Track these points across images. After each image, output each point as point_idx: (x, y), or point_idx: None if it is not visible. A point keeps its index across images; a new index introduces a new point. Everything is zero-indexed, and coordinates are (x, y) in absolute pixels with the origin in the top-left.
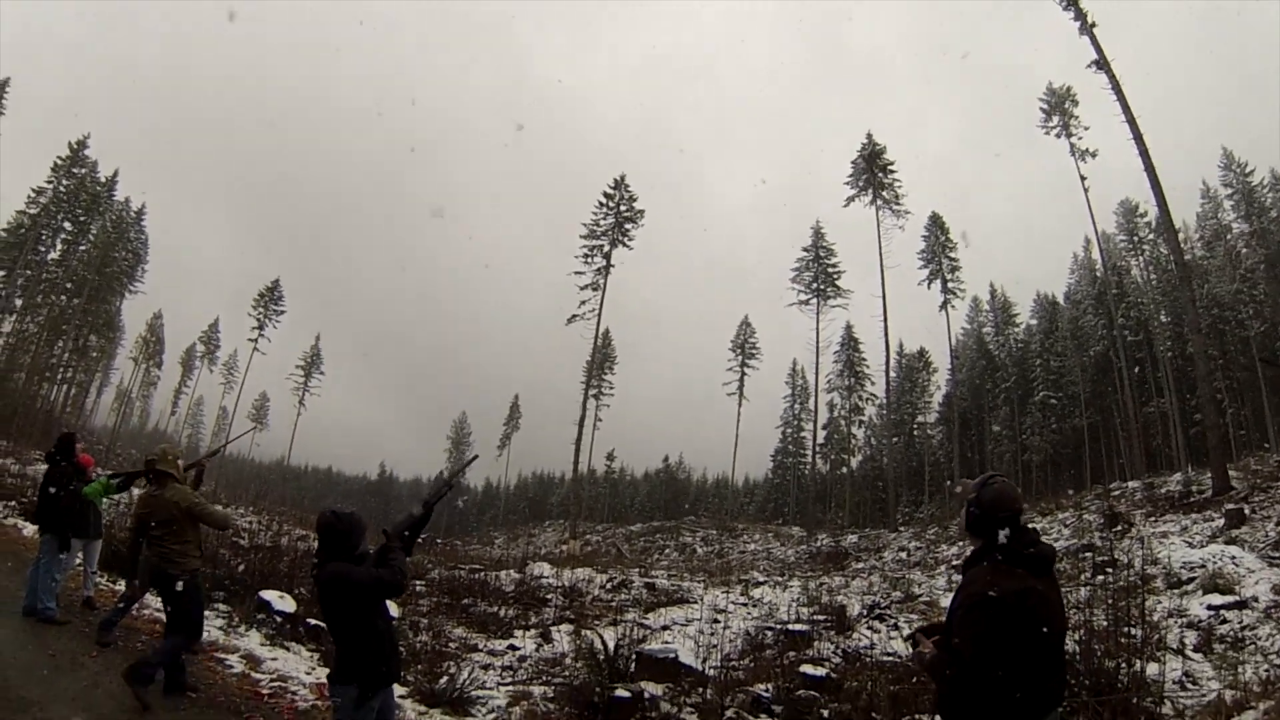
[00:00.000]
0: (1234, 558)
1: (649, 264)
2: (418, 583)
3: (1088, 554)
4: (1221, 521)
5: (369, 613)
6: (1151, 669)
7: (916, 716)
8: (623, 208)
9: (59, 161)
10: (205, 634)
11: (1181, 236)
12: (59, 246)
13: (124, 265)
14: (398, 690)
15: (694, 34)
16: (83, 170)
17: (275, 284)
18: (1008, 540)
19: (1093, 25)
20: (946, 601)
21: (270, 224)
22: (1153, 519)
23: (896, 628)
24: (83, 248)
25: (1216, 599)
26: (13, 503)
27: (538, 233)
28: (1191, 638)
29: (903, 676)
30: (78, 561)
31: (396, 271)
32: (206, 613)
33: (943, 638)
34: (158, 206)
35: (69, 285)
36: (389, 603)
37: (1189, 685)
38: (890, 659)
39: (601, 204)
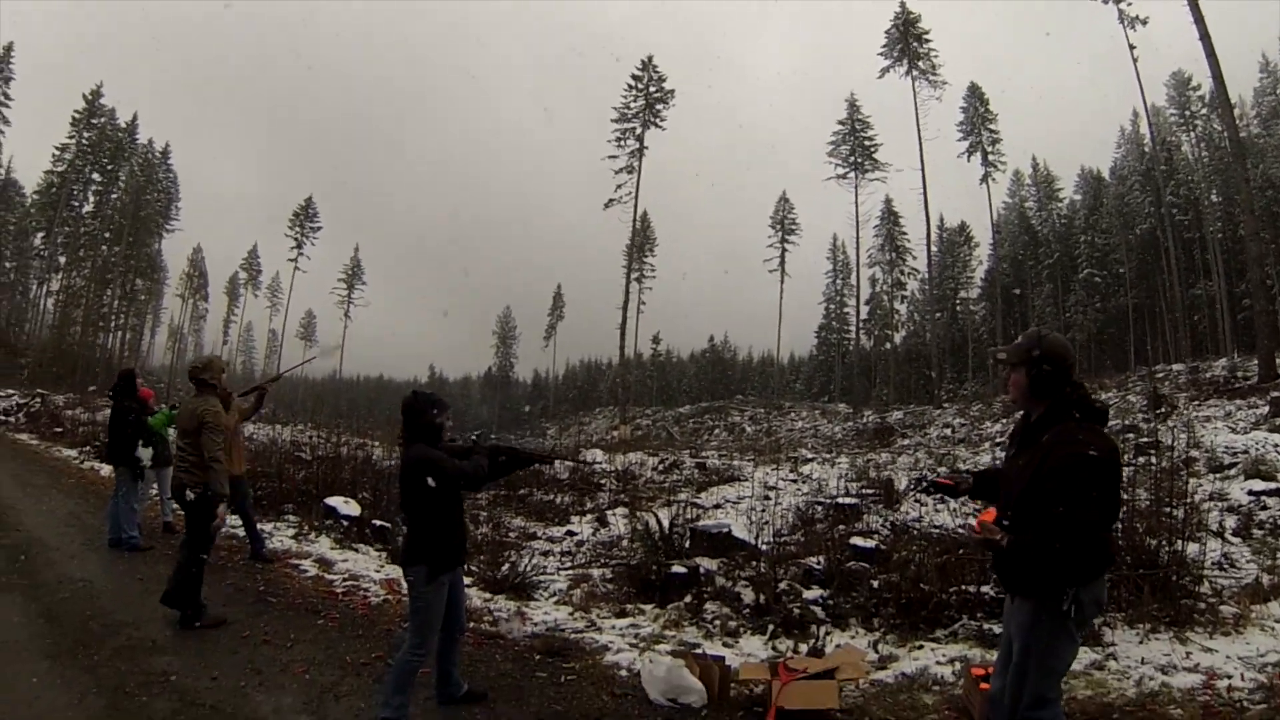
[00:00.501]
0: (1277, 445)
1: (684, 144)
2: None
3: (1130, 435)
4: (1266, 409)
5: (444, 498)
6: (1191, 549)
7: (963, 586)
8: (652, 89)
9: (76, 115)
10: (278, 543)
11: (1237, 112)
12: (91, 199)
13: (157, 206)
14: (464, 578)
15: None
16: (101, 119)
17: (309, 201)
18: (1079, 397)
19: None
20: None
21: (296, 140)
22: (1196, 403)
23: (943, 501)
24: (114, 195)
25: (1258, 485)
26: (87, 448)
27: (572, 119)
28: (1231, 521)
29: (949, 547)
30: (153, 490)
31: (429, 173)
32: (277, 524)
33: (1008, 511)
34: (181, 141)
35: (107, 234)
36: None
37: (1227, 567)
38: (937, 531)
39: (630, 86)
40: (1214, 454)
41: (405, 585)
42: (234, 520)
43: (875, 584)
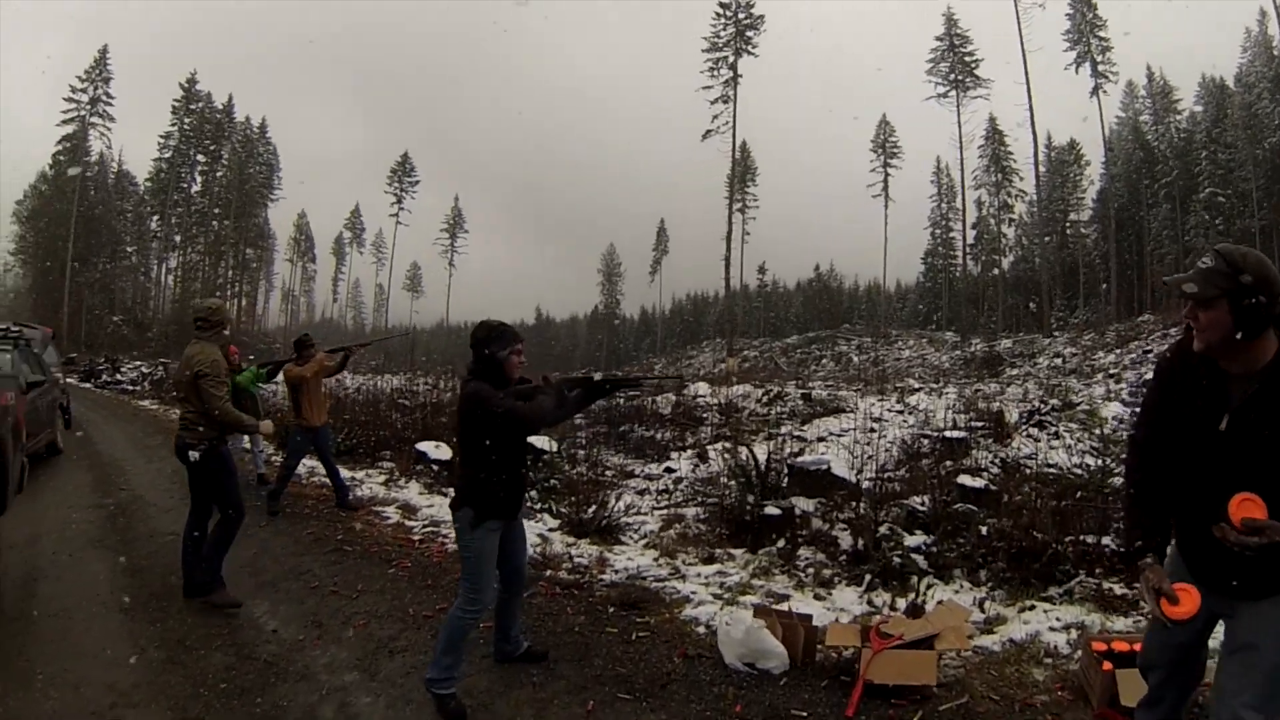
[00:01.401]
0: None
1: (780, 70)
2: (577, 417)
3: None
4: None
5: (497, 441)
6: None
7: (1082, 536)
8: (741, 15)
9: (176, 103)
10: (367, 490)
11: None
12: (198, 179)
13: (260, 179)
14: (549, 522)
15: None
16: (199, 104)
17: (405, 157)
18: None
19: None
20: (1107, 410)
21: (388, 98)
22: None
23: (1057, 435)
24: (219, 173)
25: None
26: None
27: (665, 49)
28: None
29: (1065, 490)
30: (245, 444)
31: (526, 117)
32: (370, 471)
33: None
34: (277, 113)
35: (216, 210)
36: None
37: None
38: (1052, 470)
39: (719, 14)
40: None
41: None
42: (321, 470)
43: (984, 530)
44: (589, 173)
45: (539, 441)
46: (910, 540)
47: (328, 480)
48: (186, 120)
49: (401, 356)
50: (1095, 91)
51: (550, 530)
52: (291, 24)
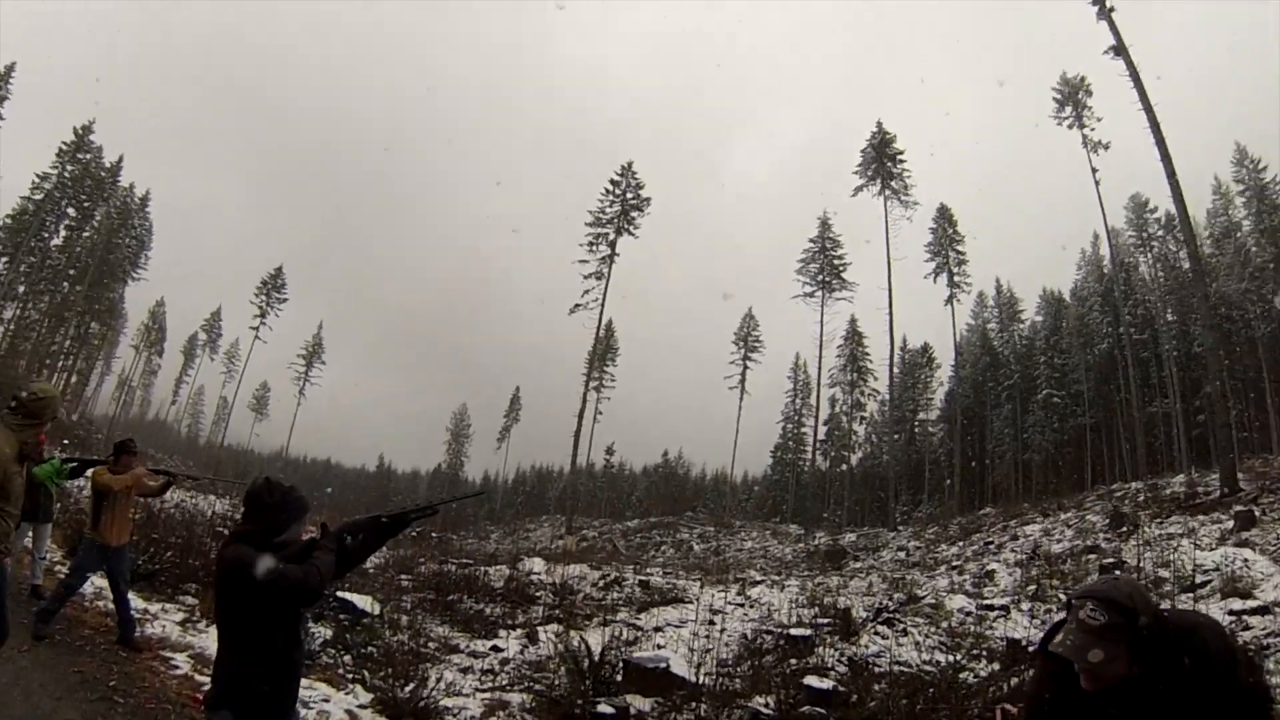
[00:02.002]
0: (1246, 560)
1: (656, 250)
2: (403, 577)
3: (1092, 555)
4: (1231, 523)
5: (266, 618)
6: None
7: None
8: (629, 195)
9: (64, 146)
10: (159, 628)
11: None
12: (62, 233)
13: (127, 252)
14: (361, 696)
15: (716, 16)
16: (88, 156)
17: (278, 271)
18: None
19: (1111, 9)
20: (953, 603)
21: (279, 212)
22: (1158, 520)
23: (905, 632)
24: (86, 234)
25: (1237, 604)
26: None
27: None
28: None
29: (918, 690)
30: (28, 541)
31: (403, 262)
32: (168, 605)
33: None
34: (164, 190)
35: (71, 272)
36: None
37: None
38: (902, 669)
39: (608, 191)
40: (1183, 572)
41: None
42: (109, 593)
43: None
44: (453, 327)
45: (361, 602)
46: None
47: (114, 608)
48: (70, 168)
49: (233, 479)
50: (950, 300)
51: (360, 707)
52: (203, 110)
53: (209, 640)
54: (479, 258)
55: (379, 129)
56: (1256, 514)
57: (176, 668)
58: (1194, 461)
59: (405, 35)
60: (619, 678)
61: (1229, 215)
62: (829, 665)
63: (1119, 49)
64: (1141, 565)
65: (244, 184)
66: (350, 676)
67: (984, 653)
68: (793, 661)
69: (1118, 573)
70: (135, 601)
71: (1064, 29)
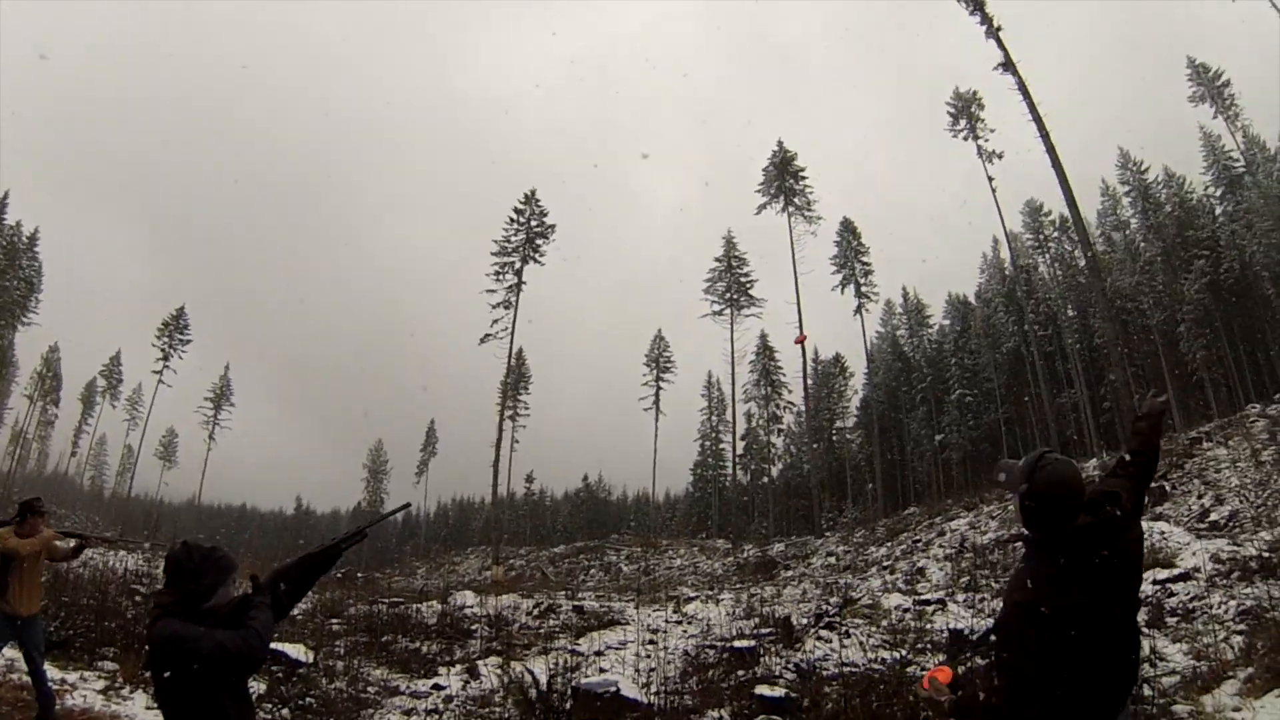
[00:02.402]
0: (1164, 533)
1: (563, 278)
2: (334, 621)
3: (1018, 543)
4: (1146, 500)
5: (210, 691)
6: None
7: None
8: (534, 223)
9: None
10: (79, 699)
11: None
12: None
13: (15, 295)
14: None
15: (614, 42)
16: None
17: (180, 312)
18: (1071, 534)
19: (999, 29)
20: (889, 601)
21: (179, 251)
22: None
23: (848, 634)
24: None
25: (1161, 574)
26: None
27: (452, 249)
28: (1142, 615)
29: (869, 688)
30: None
31: (308, 300)
32: (86, 672)
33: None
34: (57, 231)
35: None
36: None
37: (1158, 661)
38: (851, 670)
39: (512, 220)
40: None
41: None
42: (21, 665)
43: None
44: (366, 362)
45: (293, 651)
46: None
47: (31, 681)
48: None
49: (142, 532)
50: (859, 310)
51: None
52: (97, 146)
53: (135, 708)
54: (389, 293)
55: (285, 162)
56: (1168, 489)
57: None
58: (1104, 445)
59: (310, 68)
60: (569, 705)
61: (1117, 214)
62: (777, 674)
63: (1007, 65)
64: None
65: (139, 222)
66: None
67: (928, 645)
68: (740, 673)
69: (1055, 457)
70: (51, 671)
71: (959, 43)
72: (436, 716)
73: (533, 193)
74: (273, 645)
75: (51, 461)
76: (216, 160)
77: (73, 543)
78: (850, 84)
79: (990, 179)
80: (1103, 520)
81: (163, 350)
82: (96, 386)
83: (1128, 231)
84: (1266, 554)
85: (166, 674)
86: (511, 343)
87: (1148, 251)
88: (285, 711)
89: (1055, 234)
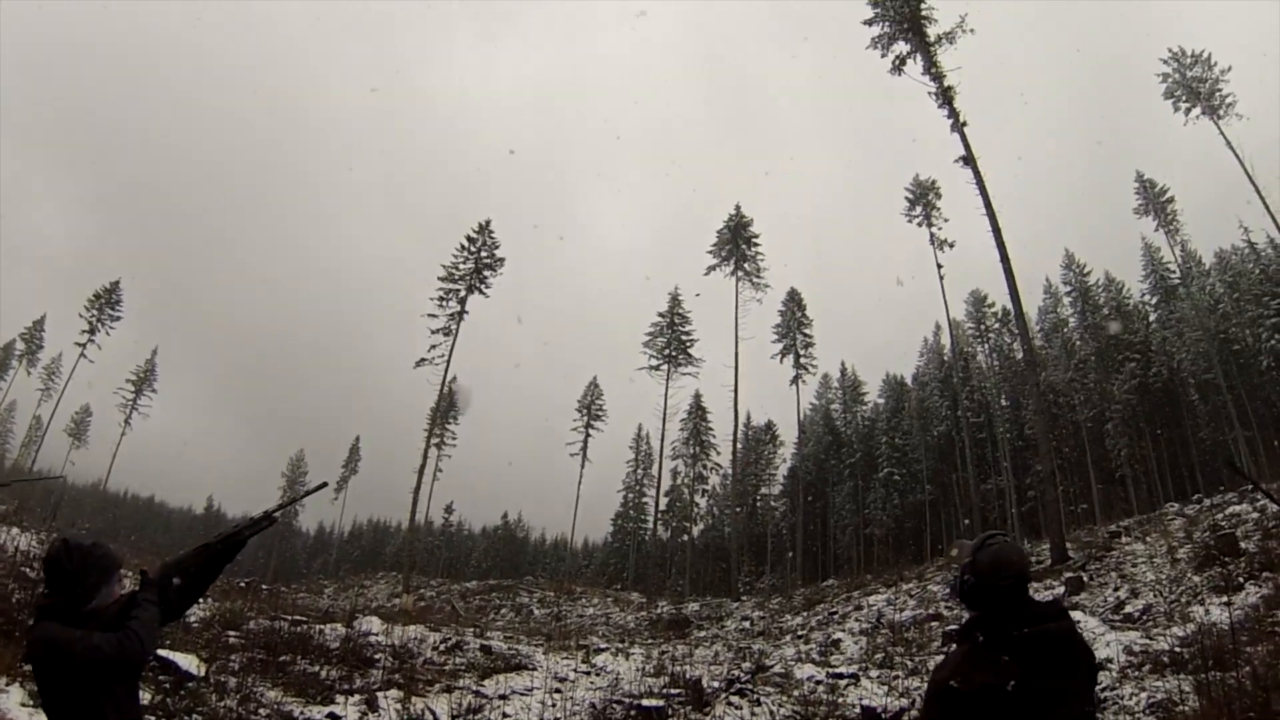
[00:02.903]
0: (1079, 623)
1: (507, 311)
2: (231, 633)
3: (935, 623)
4: (1062, 589)
5: (92, 696)
6: None
7: None
8: (484, 254)
9: None
10: None
11: None
12: None
13: None
14: None
15: (590, 68)
16: None
17: (114, 285)
18: (1000, 617)
19: (964, 124)
20: (802, 672)
21: (124, 223)
22: None
23: (759, 703)
24: None
25: None
26: None
27: (396, 267)
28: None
29: None
30: None
31: (249, 296)
32: None
33: None
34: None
35: None
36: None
37: None
38: None
39: (463, 247)
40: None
41: None
42: None
43: None
44: (298, 370)
45: (184, 661)
46: None
47: None
48: None
49: (41, 510)
50: (795, 380)
51: None
52: (44, 93)
53: (9, 702)
54: (329, 303)
55: (234, 161)
56: (1085, 579)
57: None
58: (1026, 534)
59: (278, 56)
60: None
61: (1058, 312)
62: None
63: (968, 159)
64: None
65: (85, 186)
66: None
67: None
68: None
69: (1001, 538)
70: None
71: (916, 124)
72: None
73: (487, 222)
74: (164, 654)
75: None
76: (176, 140)
77: None
78: (814, 149)
79: (939, 265)
80: (1027, 601)
81: (89, 323)
82: (14, 349)
83: (1065, 330)
84: (1178, 649)
85: (50, 678)
86: (447, 370)
87: (1083, 350)
88: None
89: (996, 325)
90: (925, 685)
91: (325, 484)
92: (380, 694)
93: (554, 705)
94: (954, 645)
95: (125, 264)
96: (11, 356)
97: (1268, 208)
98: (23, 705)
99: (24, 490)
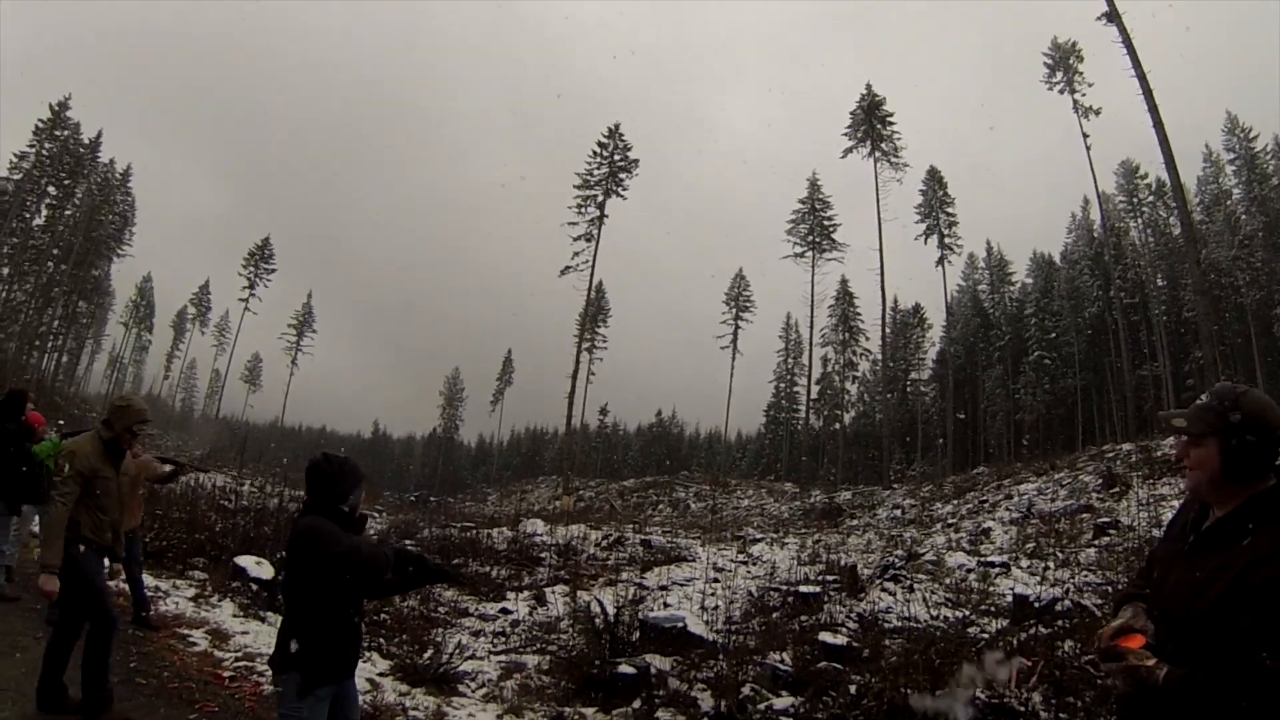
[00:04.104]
0: None
1: (645, 212)
2: (407, 542)
3: (1086, 514)
4: None
5: (333, 587)
6: None
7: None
8: (617, 157)
9: (40, 124)
10: (172, 605)
11: None
12: (44, 212)
13: (111, 228)
14: (379, 664)
15: None
16: (65, 132)
17: (265, 242)
18: None
19: None
20: (953, 560)
21: (263, 181)
22: (1149, 481)
23: (911, 589)
24: (68, 212)
25: None
26: None
27: (535, 178)
28: None
29: (930, 644)
30: (34, 528)
31: (389, 226)
32: (178, 581)
33: (1172, 636)
34: (146, 164)
35: (55, 251)
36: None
37: None
38: (913, 625)
39: (595, 153)
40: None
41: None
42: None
43: (853, 689)
44: (444, 290)
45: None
46: (778, 703)
47: (125, 586)
48: (48, 146)
49: (229, 452)
50: (941, 261)
51: (381, 675)
52: (184, 79)
53: (223, 615)
54: (470, 223)
55: (362, 92)
56: None
57: (195, 644)
58: None
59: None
60: (635, 637)
61: (1219, 183)
62: (840, 622)
63: (1111, 15)
64: (1135, 525)
65: (224, 153)
66: (366, 644)
67: (991, 608)
68: (803, 618)
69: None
70: (147, 580)
71: None
72: (504, 639)
73: (616, 126)
74: None
75: (145, 384)
76: (288, 100)
77: (168, 468)
78: (944, 26)
79: (1085, 135)
80: None
81: (248, 279)
82: (187, 314)
83: (1229, 203)
84: None
85: (302, 560)
86: (592, 275)
87: (1248, 225)
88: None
89: (1150, 199)
90: (1078, 577)
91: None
92: (548, 589)
93: (713, 594)
94: (1245, 539)
95: (269, 222)
96: (185, 320)
97: None
98: (234, 616)
99: (213, 434)
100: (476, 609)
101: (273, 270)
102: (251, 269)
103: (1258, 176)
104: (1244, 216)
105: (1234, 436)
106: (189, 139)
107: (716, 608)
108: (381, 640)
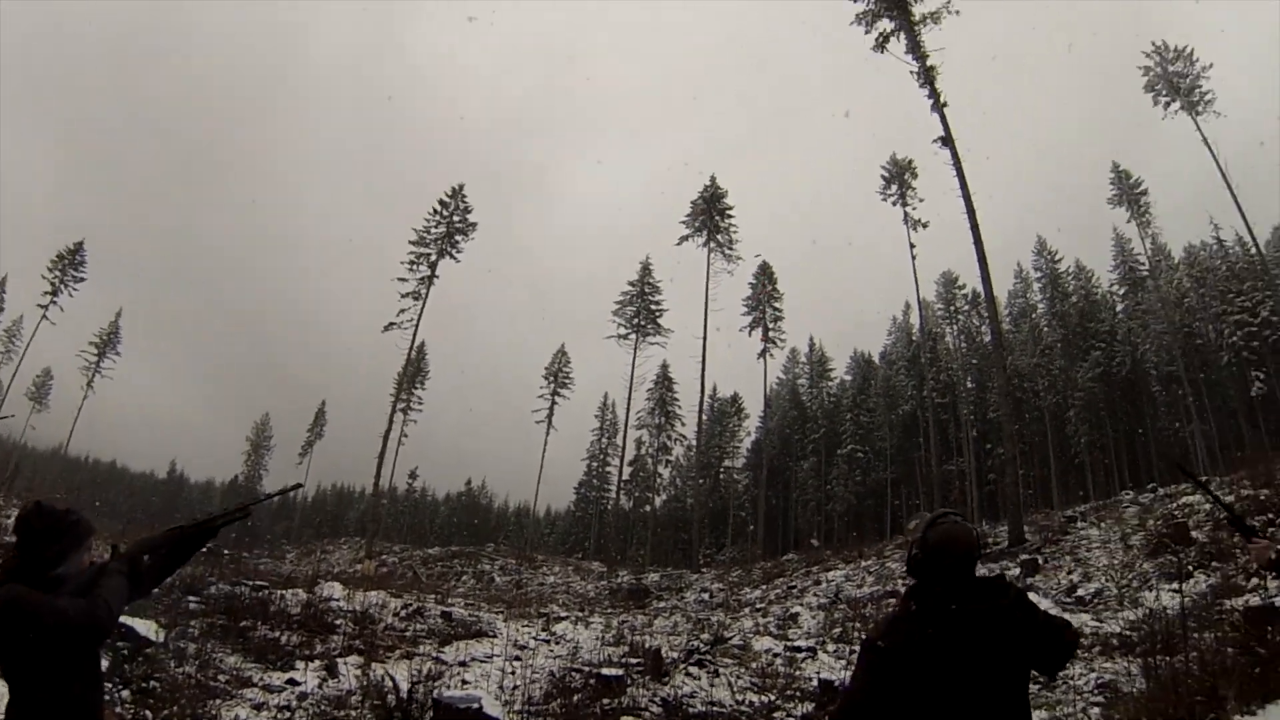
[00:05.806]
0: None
1: (477, 277)
2: (191, 599)
3: (892, 599)
4: (1018, 570)
5: (55, 663)
6: None
7: None
8: (456, 219)
9: None
10: None
11: None
12: None
13: None
14: None
15: (577, 32)
16: None
17: (79, 246)
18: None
19: (944, 105)
20: (760, 644)
21: (94, 180)
22: None
23: (717, 674)
24: None
25: None
26: None
27: (368, 231)
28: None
29: None
30: None
31: (221, 259)
32: None
33: None
34: None
35: None
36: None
37: None
38: (717, 709)
39: (435, 211)
40: None
41: None
42: None
43: None
44: (268, 337)
45: (142, 627)
46: None
47: None
48: None
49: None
50: (763, 353)
51: None
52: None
53: None
54: (295, 269)
55: (209, 121)
56: (1040, 562)
57: None
58: (985, 515)
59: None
60: (429, 717)
61: (1027, 298)
62: (643, 705)
63: (946, 140)
64: None
65: (51, 146)
66: (130, 715)
67: (797, 693)
68: (605, 701)
69: (953, 517)
70: None
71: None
72: (288, 714)
73: (460, 187)
74: (122, 620)
75: None
76: (142, 103)
77: None
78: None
79: (912, 246)
80: (967, 581)
81: (52, 284)
82: None
83: (1034, 315)
84: (1127, 632)
85: (10, 639)
86: (415, 334)
87: (1049, 336)
88: (125, 693)
89: (965, 307)
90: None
91: (300, 485)
92: (340, 660)
93: (514, 673)
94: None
95: (88, 227)
96: None
97: (1238, 205)
98: None
99: None
100: (262, 678)
101: (82, 279)
102: (58, 273)
103: (1060, 293)
104: (1046, 328)
105: (912, 549)
106: (24, 121)
107: (516, 687)
108: (148, 713)
